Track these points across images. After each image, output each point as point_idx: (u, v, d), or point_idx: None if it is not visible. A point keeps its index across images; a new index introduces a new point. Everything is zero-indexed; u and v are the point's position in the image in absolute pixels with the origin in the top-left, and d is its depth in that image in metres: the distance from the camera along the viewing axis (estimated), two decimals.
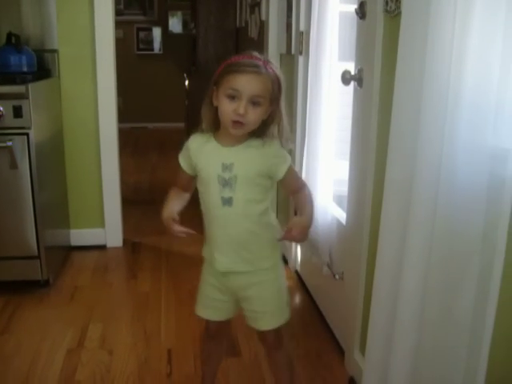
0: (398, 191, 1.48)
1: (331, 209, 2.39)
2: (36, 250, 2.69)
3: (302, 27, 2.76)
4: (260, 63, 1.48)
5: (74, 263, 3.18)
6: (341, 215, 2.29)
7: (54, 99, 3.10)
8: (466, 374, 1.40)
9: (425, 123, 1.34)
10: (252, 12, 4.12)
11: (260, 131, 1.55)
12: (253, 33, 4.17)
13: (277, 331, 1.70)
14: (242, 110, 1.45)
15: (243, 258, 1.60)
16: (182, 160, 1.63)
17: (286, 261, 3.15)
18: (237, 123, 1.48)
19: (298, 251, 2.99)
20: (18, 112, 2.52)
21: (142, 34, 8.07)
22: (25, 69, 2.94)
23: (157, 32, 8.08)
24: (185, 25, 7.86)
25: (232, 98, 1.47)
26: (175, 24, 7.99)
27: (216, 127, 1.57)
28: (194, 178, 1.64)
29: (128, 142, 5.94)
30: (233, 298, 1.68)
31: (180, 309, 2.62)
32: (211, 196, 1.56)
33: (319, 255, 2.46)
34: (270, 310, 1.66)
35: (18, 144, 2.55)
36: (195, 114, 5.98)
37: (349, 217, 2.12)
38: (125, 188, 3.65)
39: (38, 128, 2.63)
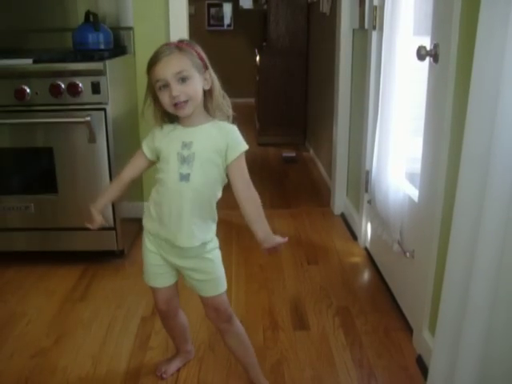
0: (474, 169, 1.45)
1: (403, 186, 2.36)
2: (112, 222, 2.78)
3: (375, 1, 2.72)
4: (171, 46, 1.58)
5: None
6: (413, 193, 2.27)
7: (129, 75, 3.17)
8: None
9: (504, 99, 1.30)
10: None
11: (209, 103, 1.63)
12: (325, 8, 4.12)
13: (219, 299, 1.77)
14: (174, 92, 1.53)
15: (192, 232, 1.66)
16: (145, 144, 1.71)
17: (355, 237, 3.14)
18: (178, 104, 1.55)
19: (368, 228, 2.98)
20: (95, 88, 2.60)
21: (212, 10, 8.12)
22: (102, 46, 3.03)
23: (227, 8, 8.10)
24: (255, 0, 7.84)
25: (164, 87, 1.54)
26: None
27: (170, 118, 1.65)
28: (146, 166, 1.75)
29: None
30: (172, 265, 1.78)
31: (250, 283, 2.68)
32: (170, 172, 1.63)
33: (390, 232, 2.44)
34: (212, 278, 1.75)
35: (95, 119, 2.63)
36: (266, 90, 5.99)
37: (421, 194, 2.10)
38: None
39: (114, 103, 2.71)
